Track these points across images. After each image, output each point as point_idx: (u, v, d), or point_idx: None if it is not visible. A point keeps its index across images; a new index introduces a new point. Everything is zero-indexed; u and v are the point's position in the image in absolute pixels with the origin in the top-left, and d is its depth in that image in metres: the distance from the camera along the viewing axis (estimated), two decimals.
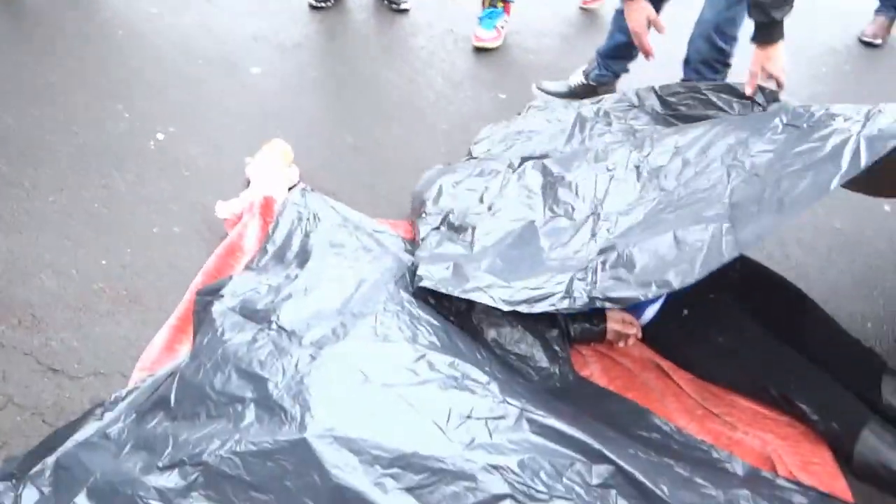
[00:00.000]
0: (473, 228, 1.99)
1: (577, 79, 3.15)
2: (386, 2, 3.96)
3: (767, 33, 2.08)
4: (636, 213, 1.79)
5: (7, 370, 1.91)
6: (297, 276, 1.76)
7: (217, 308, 1.70)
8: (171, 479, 1.44)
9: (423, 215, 2.05)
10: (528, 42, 3.71)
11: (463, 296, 1.73)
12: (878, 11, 3.82)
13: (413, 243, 2.09)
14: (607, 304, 1.62)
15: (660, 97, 2.28)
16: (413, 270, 1.85)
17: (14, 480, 1.55)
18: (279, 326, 1.60)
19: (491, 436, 1.46)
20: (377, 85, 3.29)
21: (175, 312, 2.04)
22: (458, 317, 1.80)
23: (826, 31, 3.87)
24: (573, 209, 1.91)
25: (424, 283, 1.79)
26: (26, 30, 3.42)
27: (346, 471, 1.37)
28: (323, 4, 3.86)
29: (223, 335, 1.62)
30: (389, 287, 1.72)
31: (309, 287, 1.71)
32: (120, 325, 2.06)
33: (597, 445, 1.48)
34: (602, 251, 1.74)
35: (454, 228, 2.04)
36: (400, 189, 2.66)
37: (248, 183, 2.58)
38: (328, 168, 2.75)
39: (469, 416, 1.47)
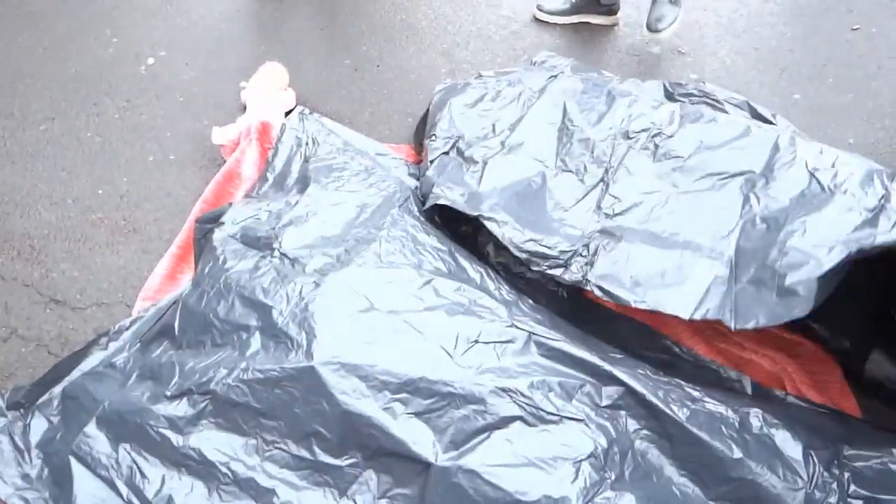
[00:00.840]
0: (484, 164, 1.93)
1: None
2: None
3: None
4: (645, 204, 1.74)
5: (9, 302, 1.89)
6: (297, 203, 1.72)
7: (217, 236, 1.67)
8: (181, 408, 1.43)
9: (433, 137, 1.99)
10: None
11: (480, 219, 1.71)
12: None
13: (417, 166, 2.04)
14: (596, 291, 1.61)
15: (670, 95, 2.18)
16: (421, 193, 1.81)
17: (22, 410, 1.55)
18: (281, 253, 1.57)
19: (499, 359, 1.44)
20: (374, 4, 3.17)
21: (175, 241, 2.01)
22: (465, 241, 1.77)
23: None
24: (585, 169, 1.86)
25: (441, 201, 1.76)
26: None
27: (355, 397, 1.37)
28: None
29: (225, 263, 1.60)
30: (393, 212, 1.68)
31: (310, 213, 1.67)
32: (120, 255, 2.03)
33: (606, 367, 1.47)
34: (605, 232, 1.72)
35: (463, 156, 1.98)
36: (401, 112, 2.59)
37: (244, 108, 2.51)
38: (327, 91, 2.67)
39: (477, 341, 1.45)
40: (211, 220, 1.79)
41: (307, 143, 1.94)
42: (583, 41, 2.95)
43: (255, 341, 1.47)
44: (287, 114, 2.47)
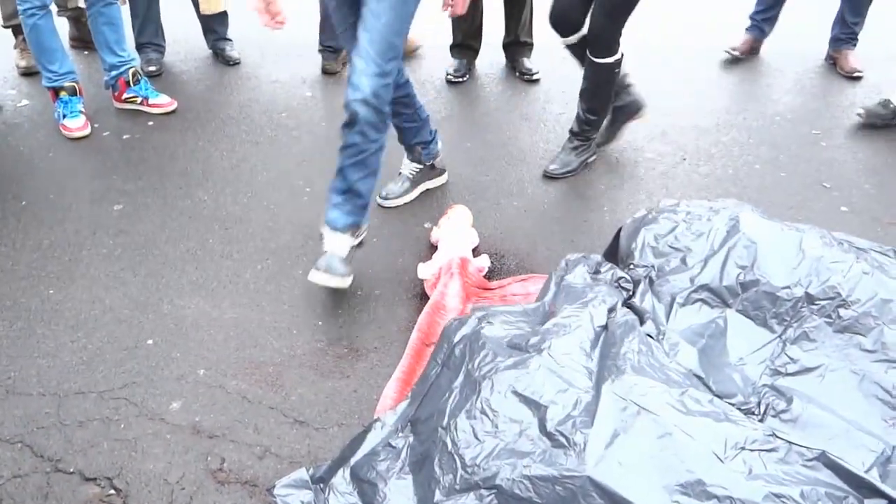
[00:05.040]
0: (673, 298, 2.06)
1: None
2: (517, 73, 4.18)
3: None
4: (818, 372, 1.88)
5: (258, 423, 2.06)
6: (556, 314, 1.89)
7: (487, 333, 1.83)
8: (469, 501, 1.54)
9: (632, 266, 2.16)
10: (664, 102, 3.86)
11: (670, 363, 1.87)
12: (747, 30, 4.40)
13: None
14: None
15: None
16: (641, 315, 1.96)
17: (322, 485, 1.72)
18: (550, 355, 1.71)
19: (765, 467, 1.52)
20: (527, 152, 3.46)
21: (399, 367, 2.18)
22: None
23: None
24: (765, 322, 1.99)
25: (647, 331, 1.92)
26: (194, 117, 3.74)
27: (635, 496, 1.45)
28: (460, 79, 4.11)
29: (495, 358, 1.73)
30: (638, 330, 1.83)
31: (572, 325, 1.81)
32: (349, 379, 2.20)
33: (868, 478, 1.52)
34: (775, 389, 1.85)
35: (653, 288, 2.13)
36: (573, 247, 2.79)
37: (433, 246, 2.75)
38: (503, 230, 2.90)
39: (743, 448, 1.54)
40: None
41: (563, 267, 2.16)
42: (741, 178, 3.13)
43: (532, 436, 1.58)
44: (474, 250, 2.71)
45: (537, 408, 1.61)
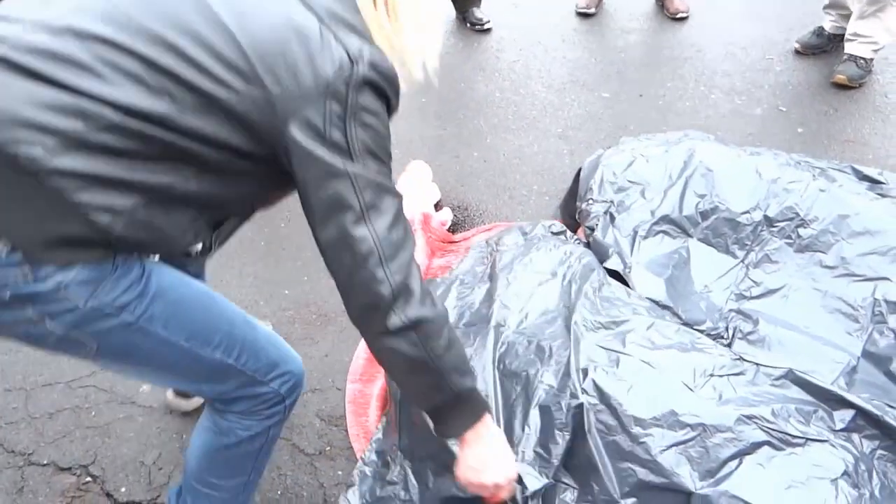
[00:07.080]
0: (635, 232, 2.06)
1: None
2: (468, 24, 4.10)
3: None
4: (781, 292, 1.89)
5: None
6: (502, 282, 1.86)
7: None
8: None
9: (590, 201, 2.15)
10: (617, 41, 3.83)
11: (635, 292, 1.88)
12: None
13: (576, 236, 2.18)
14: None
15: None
16: (597, 254, 1.95)
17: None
18: (513, 322, 1.69)
19: (735, 390, 1.53)
20: (483, 102, 3.41)
21: None
22: None
23: None
24: (727, 248, 2.01)
25: (615, 267, 1.91)
26: None
27: (610, 434, 1.45)
28: None
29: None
30: (597, 271, 1.82)
31: (524, 287, 1.79)
32: (319, 345, 2.18)
33: (836, 391, 1.54)
34: (741, 313, 1.87)
35: (614, 223, 2.13)
36: (537, 192, 2.78)
37: None
38: (464, 182, 2.87)
39: (712, 374, 1.55)
40: None
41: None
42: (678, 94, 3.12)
43: (523, 410, 1.55)
44: (436, 205, 2.68)
45: (522, 379, 1.58)
